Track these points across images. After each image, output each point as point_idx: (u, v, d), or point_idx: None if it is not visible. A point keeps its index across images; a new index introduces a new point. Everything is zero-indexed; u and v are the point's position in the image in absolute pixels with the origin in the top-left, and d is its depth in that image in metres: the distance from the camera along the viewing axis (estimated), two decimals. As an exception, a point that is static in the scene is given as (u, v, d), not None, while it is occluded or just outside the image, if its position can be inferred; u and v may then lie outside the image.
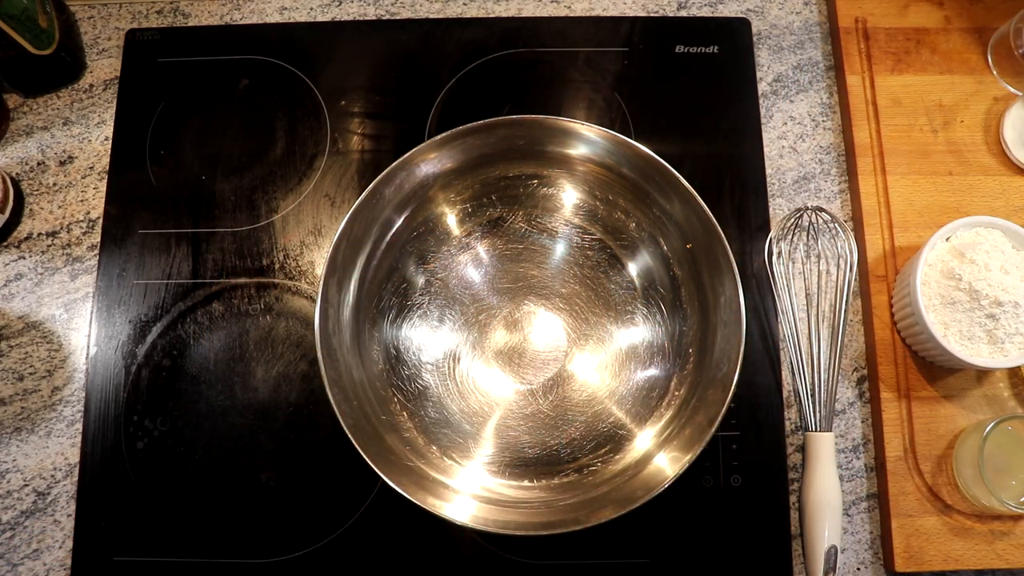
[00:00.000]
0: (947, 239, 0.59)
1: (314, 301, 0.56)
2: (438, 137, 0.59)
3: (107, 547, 0.59)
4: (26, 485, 0.60)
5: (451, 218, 0.64)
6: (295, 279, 0.65)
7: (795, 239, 0.65)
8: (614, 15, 0.72)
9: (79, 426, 0.62)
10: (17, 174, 0.68)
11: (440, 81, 0.70)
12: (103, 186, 0.67)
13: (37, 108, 0.70)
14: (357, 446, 0.52)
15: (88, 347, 0.63)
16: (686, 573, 0.58)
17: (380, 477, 0.52)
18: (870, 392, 0.62)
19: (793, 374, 0.62)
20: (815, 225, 0.65)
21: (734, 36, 0.71)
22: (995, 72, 0.68)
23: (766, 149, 0.68)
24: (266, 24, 0.72)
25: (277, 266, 0.65)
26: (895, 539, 0.57)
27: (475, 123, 0.59)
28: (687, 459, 0.52)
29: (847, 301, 0.62)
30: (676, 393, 0.59)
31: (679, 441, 0.56)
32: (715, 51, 0.71)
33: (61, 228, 0.67)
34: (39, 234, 0.67)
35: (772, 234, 0.64)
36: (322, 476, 0.60)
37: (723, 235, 0.57)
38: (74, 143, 0.69)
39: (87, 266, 0.66)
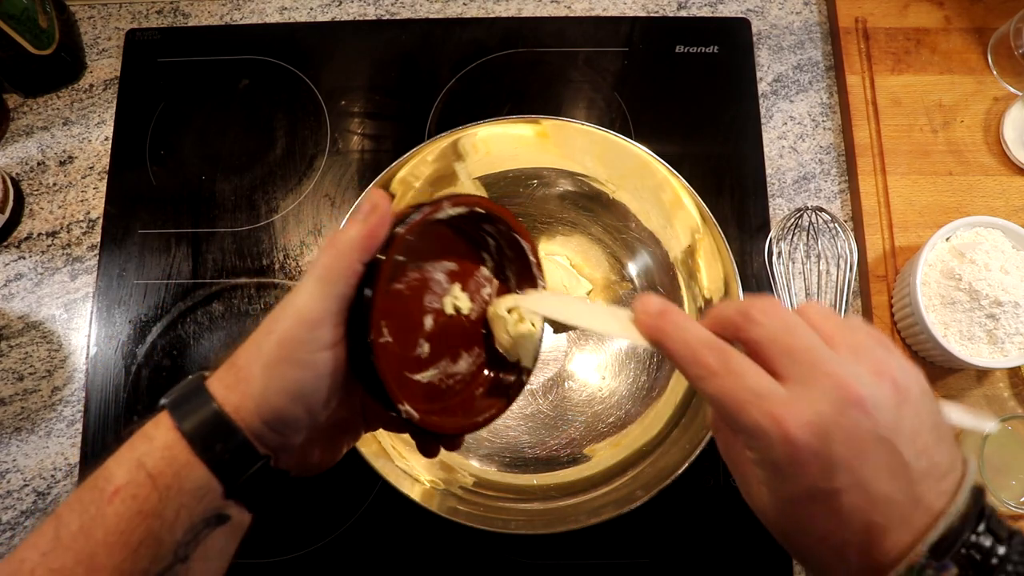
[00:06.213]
0: (947, 239, 0.59)
1: (314, 301, 0.56)
2: (438, 137, 0.59)
3: (107, 547, 0.59)
4: (26, 485, 0.60)
5: (451, 218, 0.64)
6: (295, 279, 0.65)
7: (795, 239, 0.65)
8: (614, 15, 0.72)
9: (79, 426, 0.62)
10: (17, 174, 0.68)
11: (440, 81, 0.70)
12: (103, 186, 0.67)
13: (37, 108, 0.70)
14: (357, 446, 0.52)
15: (88, 347, 0.63)
16: (686, 573, 0.58)
17: (380, 477, 0.53)
18: (870, 392, 0.62)
19: (793, 374, 0.62)
20: (815, 225, 0.65)
21: (734, 36, 0.71)
22: (995, 72, 0.68)
23: (766, 149, 0.68)
24: (266, 24, 0.72)
25: (277, 266, 0.65)
26: (895, 539, 0.57)
27: (474, 123, 0.59)
28: (688, 459, 0.53)
29: (847, 301, 0.62)
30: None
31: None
32: (715, 51, 0.71)
33: (61, 228, 0.67)
34: (39, 234, 0.66)
35: (772, 234, 0.64)
36: (322, 476, 0.60)
37: (723, 235, 0.57)
38: (74, 143, 0.69)
39: (87, 266, 0.66)
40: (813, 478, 0.28)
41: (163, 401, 0.32)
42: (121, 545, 0.29)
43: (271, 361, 0.31)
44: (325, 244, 0.33)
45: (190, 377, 0.33)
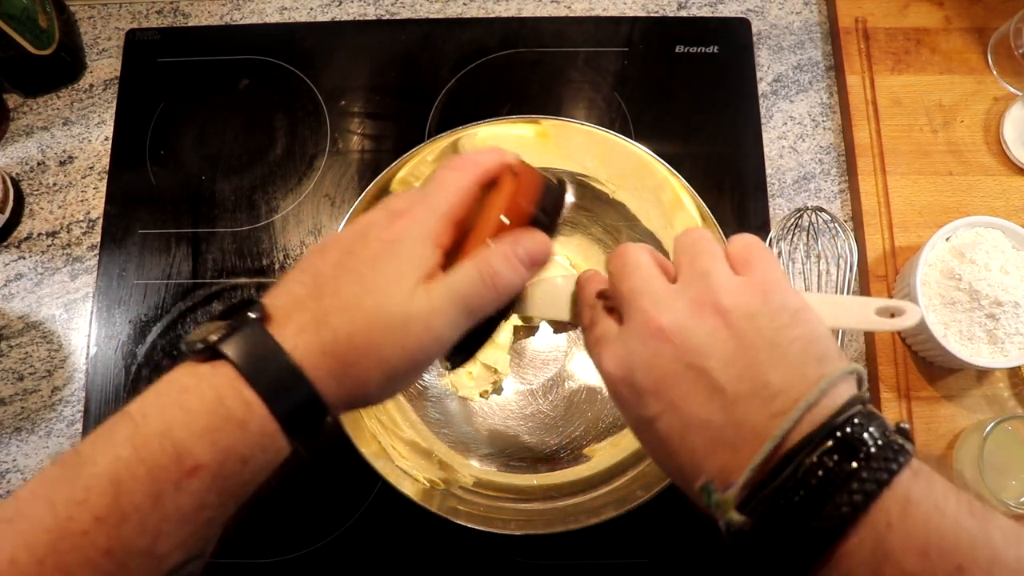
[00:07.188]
0: (947, 239, 0.59)
1: (314, 301, 0.56)
2: (438, 137, 0.59)
3: (107, 547, 0.59)
4: (26, 485, 0.60)
5: (451, 218, 0.64)
6: (295, 279, 0.65)
7: (795, 239, 0.65)
8: (614, 15, 0.72)
9: (79, 426, 0.62)
10: (17, 174, 0.68)
11: (440, 81, 0.70)
12: (103, 186, 0.67)
13: (37, 108, 0.70)
14: (357, 446, 0.52)
15: (88, 347, 0.63)
16: (686, 573, 0.58)
17: (380, 477, 0.53)
18: (870, 392, 0.62)
19: (793, 374, 0.62)
20: (815, 225, 0.65)
21: (734, 36, 0.71)
22: (995, 72, 0.68)
23: (766, 149, 0.68)
24: (266, 24, 0.72)
25: (277, 266, 0.65)
26: (895, 539, 0.57)
27: (474, 123, 0.59)
28: (687, 459, 0.52)
29: (847, 301, 0.62)
30: (676, 393, 0.59)
31: (679, 441, 0.55)
32: (715, 51, 0.71)
33: (61, 228, 0.67)
34: (39, 234, 0.67)
35: (772, 234, 0.64)
36: (322, 476, 0.60)
37: (723, 235, 0.57)
38: (74, 143, 0.69)
39: (87, 266, 0.66)
40: (633, 407, 0.31)
41: (260, 390, 0.30)
42: (191, 522, 0.29)
43: (399, 374, 0.32)
44: (487, 280, 0.33)
45: (265, 339, 0.30)
